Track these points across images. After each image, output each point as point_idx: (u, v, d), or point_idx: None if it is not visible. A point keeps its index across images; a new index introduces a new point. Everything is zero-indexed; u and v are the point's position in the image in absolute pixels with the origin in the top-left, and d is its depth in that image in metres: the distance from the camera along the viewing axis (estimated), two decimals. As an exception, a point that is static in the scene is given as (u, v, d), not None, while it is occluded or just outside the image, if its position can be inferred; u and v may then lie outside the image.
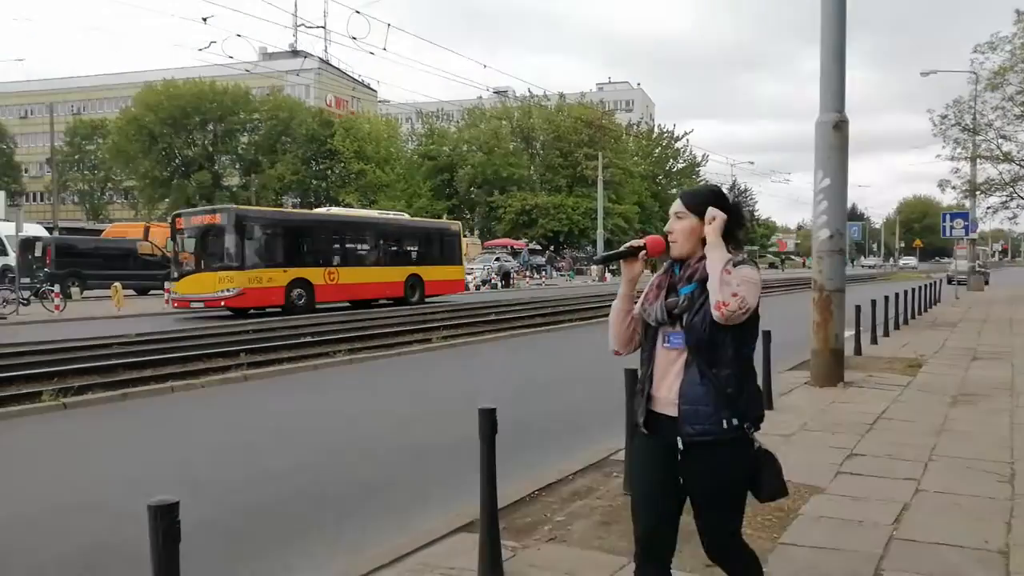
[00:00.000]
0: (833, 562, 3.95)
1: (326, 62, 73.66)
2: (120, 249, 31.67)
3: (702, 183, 74.26)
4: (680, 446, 2.60)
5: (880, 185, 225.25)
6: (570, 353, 13.74)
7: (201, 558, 4.10)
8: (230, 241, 20.68)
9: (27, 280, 25.48)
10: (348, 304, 24.31)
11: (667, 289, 2.67)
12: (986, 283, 37.52)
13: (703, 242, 2.62)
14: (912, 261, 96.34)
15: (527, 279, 43.59)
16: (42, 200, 76.75)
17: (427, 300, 26.30)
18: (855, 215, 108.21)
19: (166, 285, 23.50)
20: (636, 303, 2.77)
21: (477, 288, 36.83)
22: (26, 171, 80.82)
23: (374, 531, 4.73)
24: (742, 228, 2.74)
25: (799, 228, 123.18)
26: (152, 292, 29.78)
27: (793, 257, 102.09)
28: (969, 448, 6.19)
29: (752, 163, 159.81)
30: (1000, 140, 26.99)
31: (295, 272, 21.96)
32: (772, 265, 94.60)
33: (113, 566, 4.30)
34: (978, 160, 28.21)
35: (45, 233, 33.52)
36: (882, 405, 7.98)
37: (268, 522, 5.01)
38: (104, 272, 27.86)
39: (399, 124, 69.97)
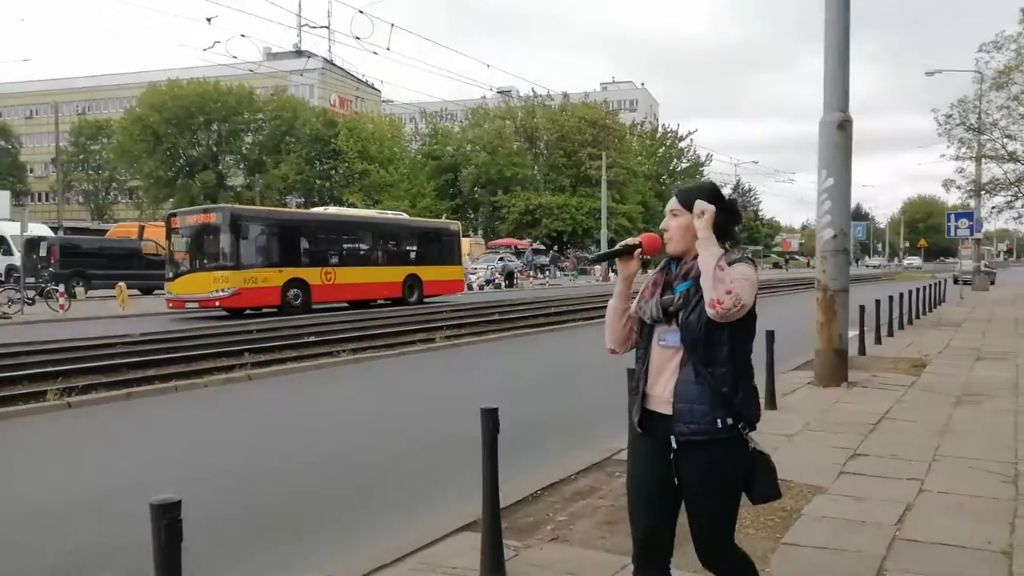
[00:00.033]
0: (836, 562, 3.94)
1: (330, 62, 73.65)
2: (124, 249, 31.74)
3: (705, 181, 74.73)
4: (674, 445, 2.58)
5: (885, 185, 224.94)
6: (573, 353, 13.72)
7: (203, 556, 4.11)
8: (225, 241, 20.54)
9: (32, 280, 25.56)
10: (347, 304, 24.14)
11: (663, 287, 2.65)
12: (992, 283, 37.42)
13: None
14: (916, 261, 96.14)
15: (531, 279, 43.58)
16: (47, 200, 76.99)
17: (426, 300, 26.13)
18: (859, 215, 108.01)
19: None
20: (633, 301, 2.75)
21: (481, 288, 36.85)
22: (31, 171, 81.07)
23: (377, 530, 4.74)
24: (738, 225, 2.71)
25: (803, 228, 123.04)
26: (156, 292, 29.80)
27: (797, 257, 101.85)
28: (973, 448, 6.17)
29: (756, 163, 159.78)
30: (1005, 140, 26.93)
31: (291, 272, 21.78)
32: (776, 265, 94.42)
33: (116, 564, 4.31)
34: (983, 160, 28.13)
35: (50, 233, 33.63)
36: (886, 405, 7.97)
37: (271, 521, 5.02)
38: (109, 272, 27.94)
39: (403, 124, 70.01)
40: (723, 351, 2.51)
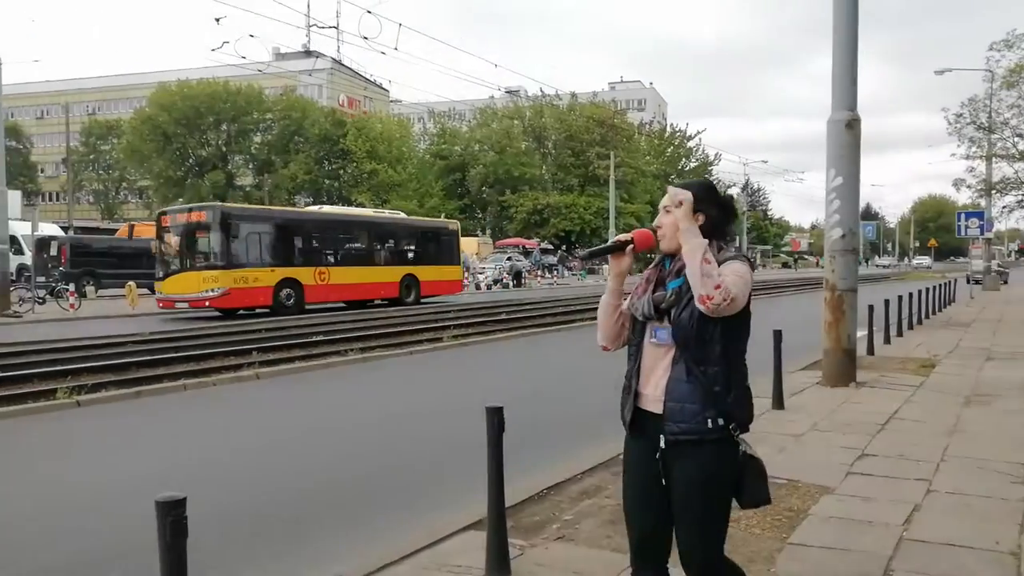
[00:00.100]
0: (842, 562, 3.93)
1: (339, 62, 73.93)
2: (134, 248, 31.88)
3: (715, 181, 74.51)
4: (662, 444, 2.53)
5: (895, 184, 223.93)
6: (580, 352, 13.70)
7: (210, 555, 4.13)
8: (215, 240, 20.21)
9: (43, 279, 25.71)
10: (344, 305, 23.75)
11: (656, 283, 2.61)
12: (1005, 282, 37.21)
13: None
14: (926, 261, 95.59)
15: (539, 278, 43.56)
16: (58, 200, 77.42)
17: (423, 301, 25.76)
18: (869, 214, 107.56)
19: None
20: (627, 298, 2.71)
21: (488, 287, 36.85)
22: (42, 171, 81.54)
23: (383, 528, 4.75)
24: (733, 223, 2.66)
25: (812, 227, 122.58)
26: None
27: (806, 256, 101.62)
28: (982, 449, 6.14)
29: (765, 162, 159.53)
30: (1016, 139, 26.75)
31: (283, 272, 21.42)
32: (785, 265, 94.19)
33: (125, 562, 4.33)
34: (994, 159, 27.94)
35: (60, 232, 33.82)
36: (894, 405, 7.94)
37: (278, 519, 5.04)
38: (119, 271, 28.06)
39: (411, 124, 70.07)
40: (715, 349, 2.46)
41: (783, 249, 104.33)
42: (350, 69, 73.84)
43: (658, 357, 2.56)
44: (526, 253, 50.14)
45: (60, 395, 8.86)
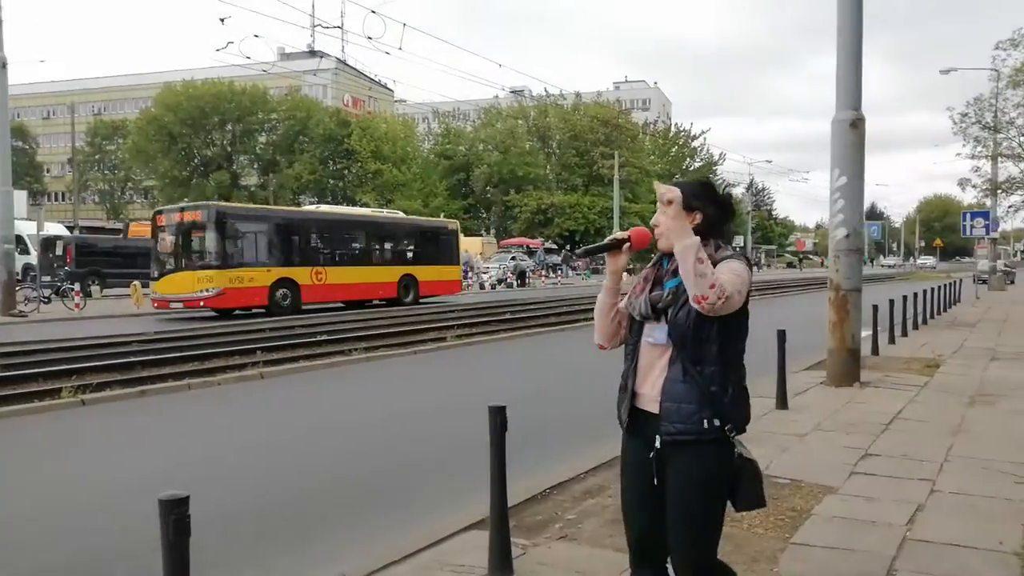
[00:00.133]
0: (845, 562, 3.93)
1: (343, 62, 73.93)
2: (139, 248, 31.94)
3: (719, 181, 74.32)
4: (657, 444, 2.51)
5: (900, 184, 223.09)
6: (584, 352, 13.69)
7: (213, 553, 4.14)
8: (210, 239, 20.01)
9: (48, 278, 25.80)
10: (342, 305, 23.52)
11: (653, 282, 2.58)
12: (1011, 282, 37.10)
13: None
14: (930, 260, 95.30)
15: (543, 278, 43.57)
16: (63, 200, 77.62)
17: (422, 301, 25.47)
18: (874, 214, 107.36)
19: None
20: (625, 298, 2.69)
21: (492, 287, 36.86)
22: (48, 171, 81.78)
23: (386, 527, 4.76)
24: (730, 221, 2.63)
25: (817, 227, 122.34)
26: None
27: (811, 256, 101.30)
28: (986, 449, 6.13)
29: (770, 162, 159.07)
30: (1022, 138, 26.69)
31: (279, 272, 21.20)
32: (790, 264, 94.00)
33: (128, 561, 4.34)
34: (999, 158, 27.90)
35: (66, 232, 33.91)
36: (898, 405, 7.92)
37: (281, 518, 5.05)
38: (124, 271, 28.12)
39: (415, 124, 70.16)
40: (712, 349, 2.43)
41: (788, 249, 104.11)
42: (355, 69, 73.92)
43: (655, 356, 2.54)
44: (530, 253, 50.16)
45: (65, 394, 8.89)
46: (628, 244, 2.62)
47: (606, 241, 2.64)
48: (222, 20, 37.86)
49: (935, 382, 9.46)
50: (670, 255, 2.56)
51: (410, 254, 25.97)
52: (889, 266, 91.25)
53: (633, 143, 65.47)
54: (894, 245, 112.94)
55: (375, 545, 4.34)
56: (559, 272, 49.35)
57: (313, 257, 22.62)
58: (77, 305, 21.84)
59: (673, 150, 74.57)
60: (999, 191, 29.00)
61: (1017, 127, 26.32)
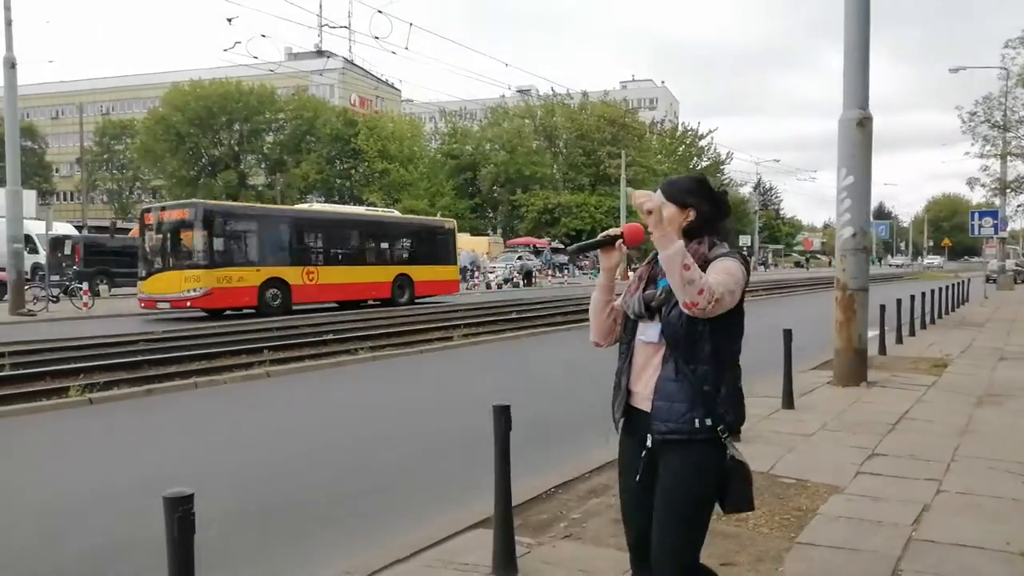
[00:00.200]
0: (851, 562, 3.92)
1: (350, 62, 74.10)
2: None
3: (726, 180, 74.14)
4: (649, 443, 2.50)
5: (909, 183, 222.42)
6: (589, 351, 13.62)
7: (218, 550, 4.16)
8: (198, 238, 19.60)
9: (57, 278, 25.89)
10: (336, 305, 23.16)
11: (647, 280, 2.57)
12: (1020, 281, 36.94)
13: (685, 233, 2.51)
14: (937, 260, 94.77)
15: (549, 278, 43.55)
16: (72, 199, 77.97)
17: (417, 301, 25.01)
18: (883, 214, 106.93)
19: None
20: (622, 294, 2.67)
21: (499, 287, 36.87)
22: (57, 171, 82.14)
23: (391, 526, 4.76)
24: (726, 218, 2.60)
25: (825, 227, 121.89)
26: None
27: (819, 256, 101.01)
28: (993, 449, 6.11)
29: (778, 161, 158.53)
30: (1031, 137, 26.53)
31: (269, 271, 20.76)
32: (797, 264, 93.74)
33: (135, 558, 4.36)
34: (1008, 157, 27.74)
35: (74, 232, 34.05)
36: (905, 405, 7.89)
37: (286, 516, 5.06)
38: (132, 270, 28.18)
39: (422, 123, 70.22)
40: (705, 348, 2.41)
41: (795, 248, 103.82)
42: (362, 69, 74.04)
43: (649, 355, 2.53)
44: (537, 252, 50.12)
45: (73, 393, 8.93)
46: (621, 240, 2.59)
47: (598, 238, 2.60)
48: (229, 20, 38.06)
49: (942, 382, 9.43)
50: None
51: (405, 254, 25.51)
52: (897, 265, 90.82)
53: (640, 142, 65.39)
54: (902, 244, 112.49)
55: (380, 543, 4.35)
56: (566, 271, 49.32)
57: (304, 256, 22.18)
58: (85, 304, 21.94)
59: (680, 149, 74.38)
60: (1008, 190, 28.84)
61: (1027, 126, 26.17)
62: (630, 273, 2.68)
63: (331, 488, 5.69)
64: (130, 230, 43.20)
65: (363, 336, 14.74)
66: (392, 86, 77.52)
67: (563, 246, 59.91)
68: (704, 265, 2.44)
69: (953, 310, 21.32)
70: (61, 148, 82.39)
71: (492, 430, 3.72)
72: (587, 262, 57.08)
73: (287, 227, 22.30)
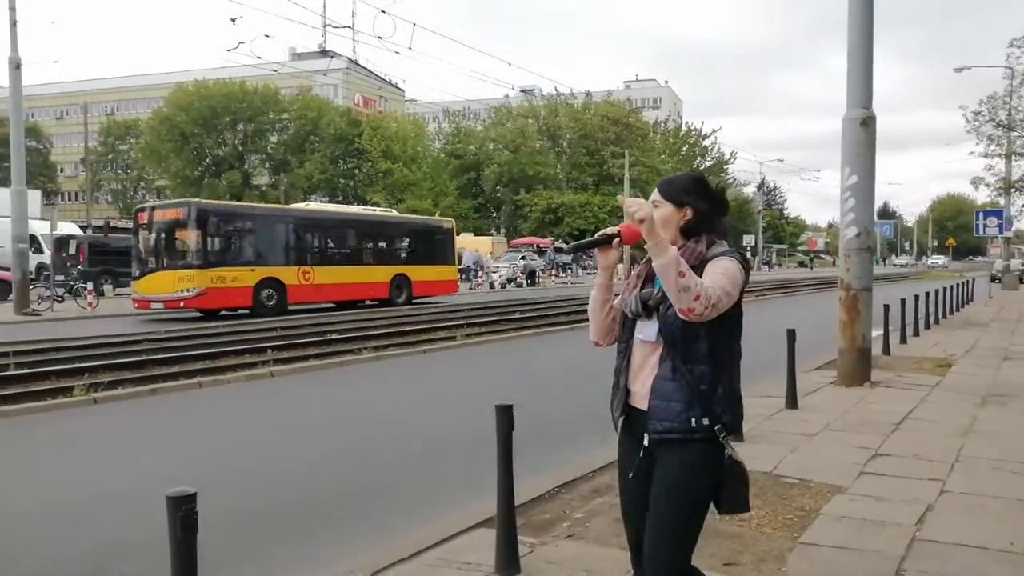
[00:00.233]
0: (854, 562, 3.91)
1: (354, 62, 74.16)
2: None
3: (730, 180, 74.06)
4: (646, 443, 2.49)
5: (913, 183, 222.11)
6: (593, 351, 13.67)
7: (221, 550, 4.16)
8: (191, 237, 19.43)
9: (61, 277, 25.95)
10: (333, 305, 22.93)
11: (645, 279, 2.55)
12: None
13: (682, 231, 2.51)
14: (941, 260, 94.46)
15: (552, 278, 43.53)
16: (76, 199, 78.12)
17: (415, 301, 24.76)
18: (887, 213, 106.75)
19: None
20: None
21: (502, 286, 36.87)
22: (61, 171, 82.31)
23: (394, 525, 4.77)
24: (724, 216, 2.58)
25: (829, 226, 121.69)
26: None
27: (823, 256, 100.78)
28: (997, 449, 6.09)
29: (781, 160, 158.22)
30: (1036, 136, 26.44)
31: (264, 271, 20.54)
32: (801, 264, 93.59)
33: (138, 557, 4.37)
34: (1013, 157, 27.65)
35: (79, 231, 34.11)
36: (909, 405, 7.88)
37: (290, 515, 5.07)
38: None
39: (426, 123, 70.27)
40: (702, 347, 2.40)
41: (799, 248, 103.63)
42: (365, 69, 74.10)
43: (646, 354, 2.51)
44: (540, 252, 50.10)
45: (77, 392, 8.95)
46: (618, 239, 2.57)
47: (595, 236, 2.57)
48: (233, 20, 37.97)
49: (947, 382, 9.41)
50: None
51: (403, 253, 25.30)
52: (902, 265, 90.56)
53: (644, 142, 65.40)
54: (907, 244, 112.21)
55: (382, 543, 4.36)
56: (569, 271, 49.30)
57: (300, 256, 21.98)
58: (90, 304, 21.97)
59: (684, 149, 74.40)
60: (1013, 190, 28.75)
61: (1031, 125, 26.08)
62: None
63: (334, 488, 5.70)
64: (126, 230, 43.31)
65: (367, 336, 14.75)
66: (396, 86, 77.58)
67: (565, 245, 59.87)
68: (702, 264, 2.44)
69: (957, 310, 21.26)
70: (66, 148, 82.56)
71: (495, 429, 3.73)
72: (591, 262, 57.02)
73: (282, 227, 22.05)
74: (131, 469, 6.28)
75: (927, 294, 16.67)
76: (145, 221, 20.39)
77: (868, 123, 9.12)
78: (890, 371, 10.08)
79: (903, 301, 14.21)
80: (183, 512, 2.29)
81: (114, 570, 4.29)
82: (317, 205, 29.02)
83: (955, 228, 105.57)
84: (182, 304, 19.34)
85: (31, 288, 21.92)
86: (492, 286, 36.26)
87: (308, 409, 8.90)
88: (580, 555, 4.03)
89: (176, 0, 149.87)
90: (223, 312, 20.20)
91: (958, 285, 22.71)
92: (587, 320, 2.76)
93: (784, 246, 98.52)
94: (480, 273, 37.67)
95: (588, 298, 2.72)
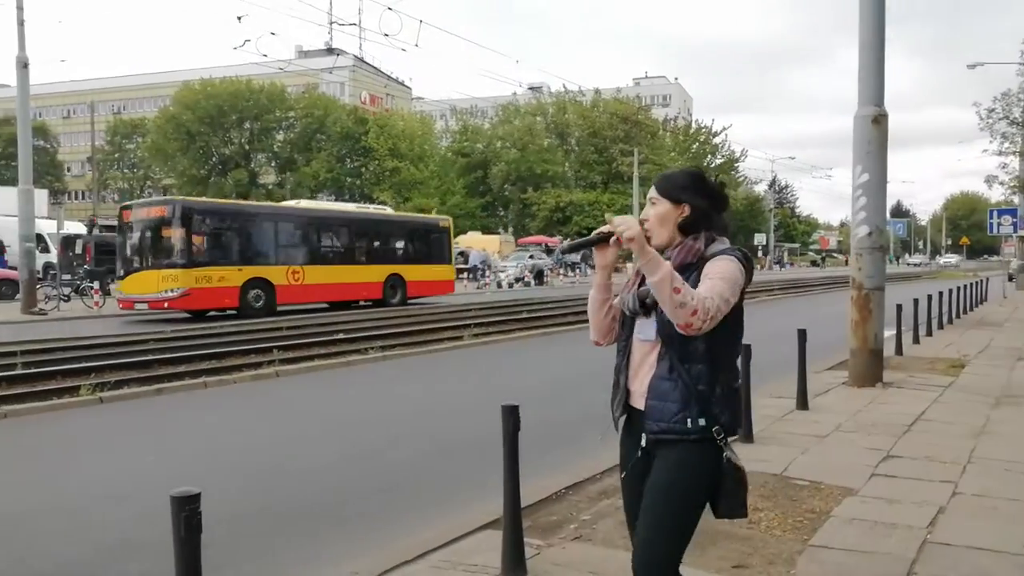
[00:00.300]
0: (864, 565, 3.86)
1: (361, 59, 74.25)
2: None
3: (741, 178, 73.80)
4: (643, 443, 2.46)
5: (926, 181, 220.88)
6: (600, 350, 13.62)
7: (225, 550, 4.14)
8: (176, 236, 18.89)
9: (68, 277, 26.02)
10: (327, 306, 22.51)
11: (643, 277, 2.47)
12: None
13: (680, 229, 2.46)
14: (953, 259, 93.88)
15: (560, 277, 43.48)
16: (83, 198, 78.47)
17: (410, 302, 24.23)
18: (900, 212, 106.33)
19: None
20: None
21: (510, 286, 36.84)
22: (68, 170, 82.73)
23: (400, 526, 4.73)
24: (723, 212, 2.53)
25: (841, 225, 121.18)
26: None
27: (835, 255, 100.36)
28: (1010, 450, 6.02)
29: (793, 158, 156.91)
30: (1051, 134, 26.21)
31: (252, 271, 20.01)
32: (813, 263, 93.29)
33: (143, 556, 4.35)
34: (1027, 154, 27.42)
35: (85, 231, 34.22)
36: (921, 406, 7.80)
37: (295, 516, 5.04)
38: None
39: (433, 121, 70.29)
40: (700, 347, 2.35)
41: (811, 247, 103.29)
42: (372, 66, 74.24)
43: (645, 353, 2.47)
44: (548, 251, 50.03)
45: (83, 392, 8.95)
46: (615, 238, 2.49)
47: (592, 235, 2.51)
48: (239, 18, 38.29)
49: (959, 383, 9.32)
50: (660, 250, 2.48)
51: (398, 253, 24.79)
52: (915, 264, 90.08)
53: (653, 140, 65.26)
54: (920, 243, 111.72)
55: (388, 544, 4.32)
56: (577, 270, 49.21)
57: (290, 256, 21.36)
58: (96, 303, 22.03)
59: (694, 147, 74.10)
60: (1027, 188, 28.54)
61: (1046, 122, 25.85)
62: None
63: (339, 488, 5.66)
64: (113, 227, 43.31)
65: (373, 336, 14.73)
66: (403, 84, 77.69)
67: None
68: (701, 263, 2.40)
69: (971, 310, 21.14)
70: (72, 147, 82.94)
71: (501, 430, 3.69)
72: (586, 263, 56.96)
73: (271, 225, 21.41)
74: (136, 469, 6.27)
75: (940, 294, 16.56)
76: (130, 219, 19.95)
77: (880, 121, 9.04)
78: (902, 372, 9.99)
79: (916, 301, 14.12)
80: (187, 512, 2.27)
81: (118, 570, 4.26)
82: (308, 203, 28.44)
83: (969, 227, 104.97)
84: (166, 305, 18.85)
85: (38, 287, 21.98)
86: (499, 285, 36.21)
87: (313, 409, 8.87)
88: (587, 557, 3.98)
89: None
90: (212, 313, 19.75)
91: (971, 285, 22.56)
92: None
93: (796, 245, 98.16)
94: (487, 272, 37.63)
95: None
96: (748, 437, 6.12)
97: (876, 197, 9.11)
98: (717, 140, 74.44)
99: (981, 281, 26.02)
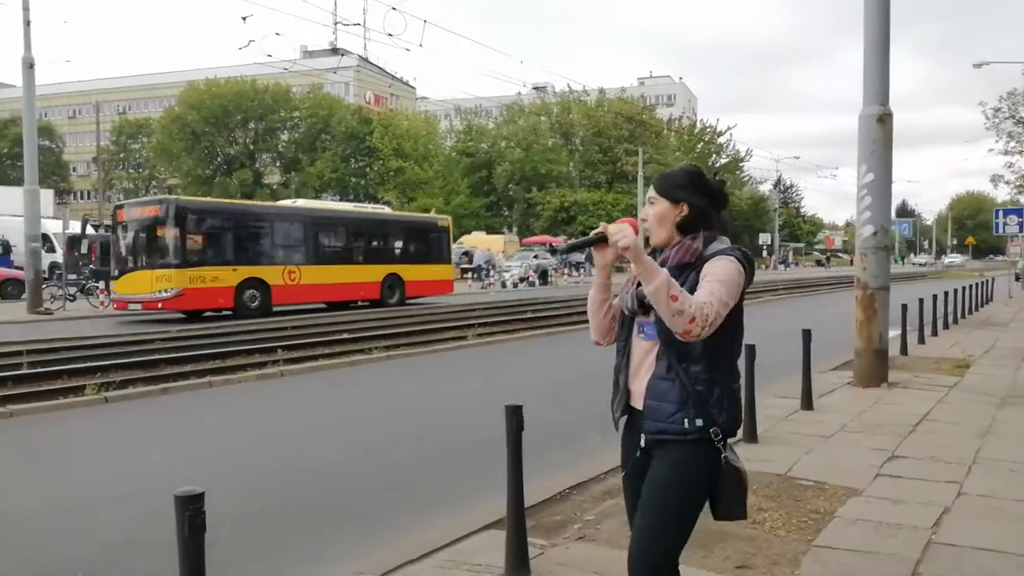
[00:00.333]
0: (868, 565, 3.85)
1: (365, 59, 74.32)
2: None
3: (746, 177, 73.67)
4: (642, 443, 2.45)
5: (932, 180, 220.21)
6: (605, 351, 13.60)
7: (229, 550, 4.14)
8: (169, 236, 18.64)
9: (73, 276, 26.07)
10: (325, 306, 22.34)
11: None
12: None
13: (678, 228, 2.46)
14: (957, 259, 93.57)
15: (565, 277, 43.44)
16: (89, 198, 78.66)
17: (408, 302, 24.03)
18: (906, 211, 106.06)
19: None
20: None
21: (514, 286, 36.83)
22: (74, 170, 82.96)
23: (404, 526, 4.74)
24: (722, 211, 2.51)
25: (846, 224, 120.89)
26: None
27: (840, 254, 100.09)
28: (1015, 451, 6.00)
29: (798, 158, 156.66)
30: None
31: (247, 271, 19.78)
32: (818, 262, 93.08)
33: (148, 556, 4.36)
34: (1032, 154, 27.37)
35: (91, 230, 34.28)
36: (926, 406, 7.78)
37: (299, 516, 5.04)
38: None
39: (437, 121, 70.31)
40: (698, 347, 2.33)
41: (816, 247, 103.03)
42: (376, 66, 74.31)
43: (644, 353, 2.47)
44: (552, 251, 49.98)
45: (89, 391, 8.98)
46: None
47: (591, 235, 2.47)
48: (244, 19, 38.33)
49: (965, 383, 9.29)
50: (659, 249, 2.50)
51: (396, 252, 24.51)
52: (920, 264, 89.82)
53: (658, 139, 65.19)
54: (926, 243, 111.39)
55: (392, 543, 4.32)
56: (581, 270, 49.17)
57: (286, 255, 21.10)
58: (102, 303, 22.07)
59: (699, 146, 74.03)
60: (1032, 187, 28.46)
61: (1051, 122, 25.81)
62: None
63: (343, 487, 5.67)
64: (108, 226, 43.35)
65: (377, 335, 14.74)
66: (407, 84, 77.72)
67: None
68: (699, 263, 2.39)
69: (976, 310, 21.07)
70: (78, 147, 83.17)
71: (504, 430, 3.69)
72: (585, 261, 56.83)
73: (267, 225, 21.16)
74: (141, 468, 6.28)
75: (945, 293, 16.51)
76: (124, 219, 19.75)
77: (885, 120, 9.02)
78: (907, 372, 9.97)
79: (921, 301, 14.07)
80: (191, 512, 2.28)
81: (122, 569, 4.27)
82: (304, 202, 28.23)
83: (975, 226, 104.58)
84: (160, 305, 18.64)
85: (44, 287, 22.02)
86: (504, 285, 36.20)
87: (318, 409, 8.88)
88: (591, 557, 3.98)
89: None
90: (208, 313, 19.63)
91: (977, 284, 22.49)
92: None
93: (801, 244, 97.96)
94: (492, 272, 37.62)
95: None
96: (752, 437, 6.11)
97: (881, 197, 9.09)
98: (722, 140, 74.42)
99: (986, 281, 25.95)
